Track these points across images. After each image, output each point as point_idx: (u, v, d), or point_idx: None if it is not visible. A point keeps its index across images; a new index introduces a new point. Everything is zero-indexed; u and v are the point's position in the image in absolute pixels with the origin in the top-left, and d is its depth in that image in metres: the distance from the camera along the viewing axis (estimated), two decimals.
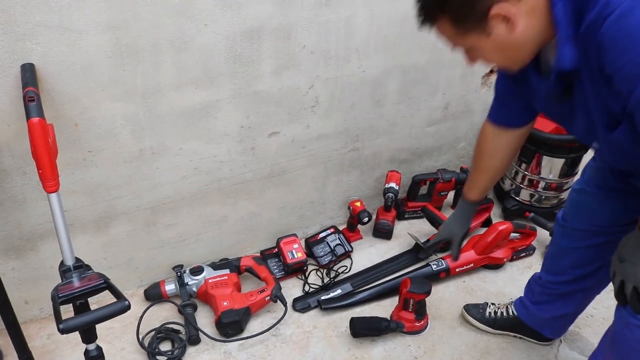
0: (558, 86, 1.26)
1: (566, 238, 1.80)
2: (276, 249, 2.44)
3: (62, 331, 1.35)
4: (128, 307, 1.42)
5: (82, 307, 1.54)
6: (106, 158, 1.90)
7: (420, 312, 2.11)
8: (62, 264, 1.59)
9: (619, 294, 1.39)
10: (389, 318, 2.16)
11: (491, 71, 2.66)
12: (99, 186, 1.95)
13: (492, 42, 1.19)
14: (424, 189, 2.76)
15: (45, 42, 1.58)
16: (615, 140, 1.23)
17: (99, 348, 1.62)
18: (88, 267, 1.60)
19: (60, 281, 1.52)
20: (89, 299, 1.52)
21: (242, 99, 2.01)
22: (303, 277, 2.40)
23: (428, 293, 2.06)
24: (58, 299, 1.44)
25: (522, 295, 2.11)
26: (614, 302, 1.43)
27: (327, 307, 2.23)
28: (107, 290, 1.50)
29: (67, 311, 1.47)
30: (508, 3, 1.11)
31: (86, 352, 1.61)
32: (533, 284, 2.02)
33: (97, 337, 1.60)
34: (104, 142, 1.86)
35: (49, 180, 1.49)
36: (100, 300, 1.69)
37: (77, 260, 1.60)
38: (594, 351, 1.68)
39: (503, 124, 1.68)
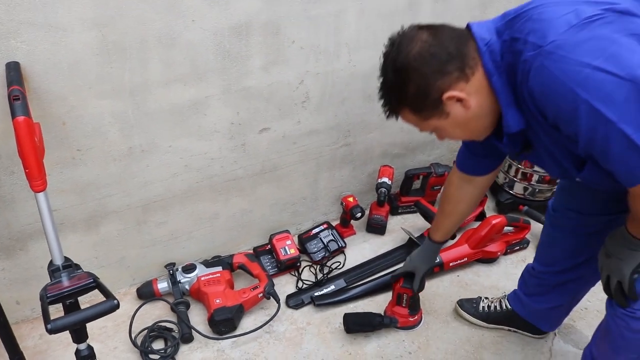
0: (515, 146, 1.38)
1: (557, 228, 1.81)
2: (269, 246, 2.43)
3: (50, 331, 1.35)
4: (117, 306, 1.41)
5: (72, 307, 1.53)
6: (95, 156, 1.89)
7: (414, 307, 2.11)
8: (51, 263, 1.58)
9: (607, 288, 1.44)
10: (382, 314, 2.15)
11: None
12: (89, 185, 1.94)
13: (452, 121, 1.31)
14: (417, 184, 2.75)
15: (30, 40, 1.56)
16: (587, 177, 1.33)
17: (90, 347, 1.61)
18: (77, 267, 1.59)
19: (50, 281, 1.52)
20: (83, 299, 1.51)
21: (232, 95, 2.00)
22: (296, 274, 2.39)
23: (421, 288, 2.05)
24: (47, 299, 1.43)
25: (516, 288, 2.10)
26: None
27: (321, 303, 2.22)
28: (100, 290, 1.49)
29: (59, 311, 1.47)
30: (457, 86, 1.25)
31: (77, 352, 1.60)
32: (526, 275, 2.02)
33: (88, 337, 1.59)
34: (92, 140, 1.84)
35: (36, 179, 1.48)
36: (92, 300, 1.69)
37: (66, 259, 1.59)
38: (589, 343, 1.68)
39: (469, 172, 1.74)
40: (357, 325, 2.12)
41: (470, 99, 1.26)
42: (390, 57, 1.29)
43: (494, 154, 1.60)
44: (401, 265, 2.14)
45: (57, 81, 1.67)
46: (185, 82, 1.88)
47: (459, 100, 1.26)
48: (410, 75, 1.25)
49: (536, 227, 2.61)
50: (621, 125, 1.08)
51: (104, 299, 1.43)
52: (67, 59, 1.65)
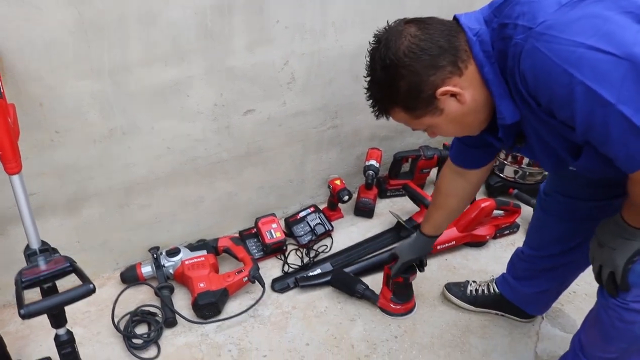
0: (508, 138, 1.34)
1: (547, 212, 1.78)
2: (255, 229, 2.41)
3: (24, 316, 1.31)
4: (93, 291, 1.38)
5: (49, 292, 1.50)
6: (75, 138, 1.85)
7: (400, 295, 2.08)
8: (27, 247, 1.55)
9: (598, 278, 1.42)
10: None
11: None
12: (69, 167, 1.90)
13: (446, 117, 1.27)
14: (405, 167, 2.73)
15: (1, 17, 1.51)
16: (583, 166, 1.29)
17: (69, 332, 1.58)
18: (54, 250, 1.56)
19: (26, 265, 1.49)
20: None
21: (215, 75, 1.96)
22: (282, 257, 2.37)
23: (405, 278, 2.02)
24: (22, 284, 1.40)
25: (505, 272, 2.08)
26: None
27: (305, 284, 2.21)
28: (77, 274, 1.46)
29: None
30: (451, 80, 1.21)
31: (56, 337, 1.58)
32: (515, 259, 2.00)
33: (66, 322, 1.56)
34: (71, 121, 1.80)
35: (10, 161, 1.45)
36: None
37: (44, 243, 1.56)
38: (578, 330, 1.67)
39: (462, 165, 1.70)
40: (339, 282, 2.16)
41: (464, 93, 1.22)
42: (378, 54, 1.24)
43: (487, 145, 1.53)
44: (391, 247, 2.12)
45: (33, 60, 1.63)
46: (166, 62, 1.84)
47: (453, 95, 1.22)
48: (401, 72, 1.21)
49: (526, 211, 2.59)
50: (620, 106, 1.03)
51: None
52: (42, 38, 1.60)
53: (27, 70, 1.63)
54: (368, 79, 1.30)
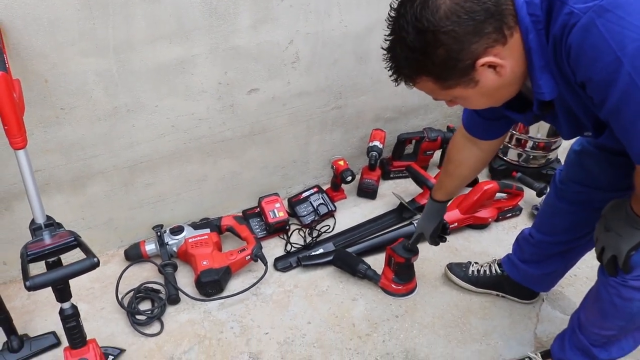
0: (539, 109, 1.24)
1: (562, 200, 1.76)
2: (258, 209, 2.42)
3: (29, 288, 1.34)
4: (97, 264, 1.40)
5: (54, 266, 1.52)
6: (80, 115, 1.86)
7: (402, 276, 2.10)
8: (32, 222, 1.57)
9: (600, 257, 1.43)
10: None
11: None
12: (74, 145, 1.91)
13: (479, 89, 1.16)
14: (409, 148, 2.73)
15: None
16: (604, 141, 1.26)
17: (74, 306, 1.60)
18: (59, 225, 1.58)
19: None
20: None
21: (219, 54, 1.96)
22: (285, 237, 2.39)
23: (406, 259, 2.03)
24: (27, 257, 1.42)
25: (510, 252, 2.09)
26: (597, 262, 1.46)
27: (307, 263, 2.23)
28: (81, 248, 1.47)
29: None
30: (494, 49, 1.08)
31: (61, 311, 1.59)
32: (523, 242, 1.99)
33: (71, 296, 1.58)
34: (76, 99, 1.81)
35: (15, 136, 1.46)
36: None
37: (48, 218, 1.58)
38: (577, 308, 1.69)
39: (476, 136, 1.64)
40: (341, 262, 2.18)
41: (506, 65, 1.10)
42: (411, 12, 1.07)
43: (504, 117, 1.49)
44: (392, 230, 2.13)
45: (38, 37, 1.63)
46: (171, 40, 1.84)
47: (493, 66, 1.10)
48: (440, 38, 1.05)
49: (529, 194, 2.59)
50: None
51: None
52: (47, 15, 1.60)
53: (32, 47, 1.64)
54: (391, 39, 1.16)
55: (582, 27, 1.00)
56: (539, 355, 1.83)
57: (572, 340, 1.69)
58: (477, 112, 1.56)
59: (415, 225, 2.03)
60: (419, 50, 1.10)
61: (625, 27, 0.96)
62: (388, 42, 1.17)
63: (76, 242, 1.49)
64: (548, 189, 2.49)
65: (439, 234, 1.98)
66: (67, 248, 1.49)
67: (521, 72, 1.15)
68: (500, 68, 1.10)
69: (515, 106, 1.30)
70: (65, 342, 1.68)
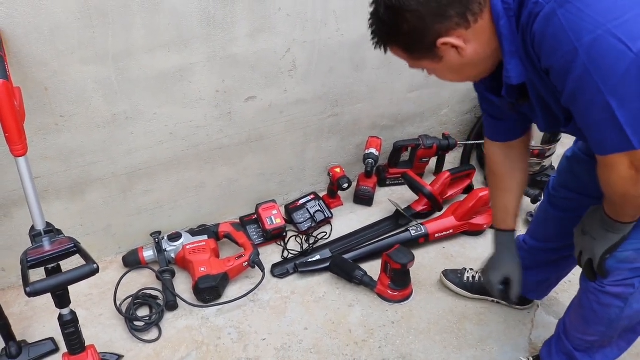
0: (511, 96, 1.30)
1: (555, 207, 1.77)
2: (255, 215, 2.44)
3: (29, 294, 1.35)
4: (96, 271, 1.41)
5: (53, 272, 1.53)
6: (79, 123, 1.87)
7: (398, 282, 2.11)
8: (32, 228, 1.58)
9: (579, 261, 1.46)
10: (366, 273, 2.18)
11: None
12: (73, 152, 1.93)
13: (444, 65, 1.24)
14: (405, 156, 2.75)
15: (9, 3, 1.54)
16: (573, 130, 1.30)
17: (72, 312, 1.61)
18: (59, 232, 1.59)
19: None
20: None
21: (217, 62, 1.98)
22: (282, 243, 2.40)
23: (402, 265, 2.05)
24: (27, 263, 1.44)
25: None
26: None
27: (304, 270, 2.24)
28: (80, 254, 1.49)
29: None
30: (456, 32, 1.16)
31: (60, 317, 1.60)
32: (519, 249, 1.99)
33: (70, 302, 1.58)
34: (75, 106, 1.83)
35: (16, 144, 1.47)
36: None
37: (48, 224, 1.59)
38: (565, 312, 1.71)
39: (498, 140, 1.63)
40: (338, 268, 2.19)
41: (467, 48, 1.18)
42: None
43: (515, 114, 1.49)
44: (388, 238, 2.12)
45: (39, 45, 1.65)
46: (169, 49, 1.86)
47: (455, 47, 1.18)
48: (405, 16, 1.14)
49: (523, 201, 2.59)
50: (609, 97, 1.05)
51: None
52: (48, 23, 1.62)
53: (32, 55, 1.66)
54: (371, 9, 1.23)
55: (544, 16, 1.07)
56: (532, 359, 1.84)
57: (558, 345, 1.71)
58: (490, 115, 1.58)
59: (490, 275, 1.71)
60: (387, 23, 1.19)
61: (582, 19, 1.02)
62: (369, 12, 1.25)
63: (76, 249, 1.50)
64: (542, 196, 2.53)
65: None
66: (67, 254, 1.50)
67: (487, 55, 1.21)
68: (460, 50, 1.18)
69: (495, 89, 1.34)
70: (63, 348, 1.70)
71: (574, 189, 1.68)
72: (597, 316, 1.50)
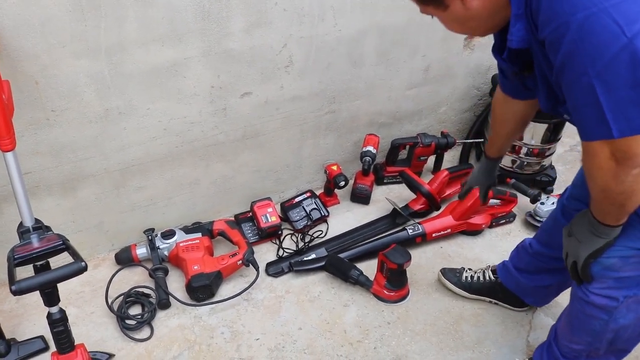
0: (514, 64, 1.30)
1: (566, 217, 1.71)
2: (250, 213, 2.41)
3: (15, 292, 1.33)
4: (84, 269, 1.38)
5: (42, 269, 1.50)
6: (71, 118, 1.84)
7: (394, 282, 2.09)
8: (20, 225, 1.56)
9: (565, 264, 1.45)
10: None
11: None
12: (64, 147, 1.90)
13: (448, 15, 1.22)
14: (403, 154, 2.72)
15: None
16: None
17: (62, 311, 1.58)
18: (48, 228, 1.57)
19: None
20: None
21: (212, 57, 1.95)
22: (277, 242, 2.37)
23: (399, 265, 2.02)
24: (14, 260, 1.41)
25: (507, 259, 2.07)
26: None
27: (299, 269, 2.21)
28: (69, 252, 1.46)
29: None
30: None
31: (49, 315, 1.57)
32: (522, 251, 1.97)
33: (59, 300, 1.55)
34: (67, 101, 1.80)
35: (4, 138, 1.45)
36: None
37: (37, 221, 1.56)
38: (557, 318, 1.70)
39: (509, 95, 1.64)
40: (334, 267, 2.16)
41: (472, 0, 1.16)
42: None
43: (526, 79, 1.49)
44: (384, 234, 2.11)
45: (29, 38, 1.62)
46: (163, 43, 1.83)
47: None
48: None
49: (523, 201, 2.58)
50: (594, 80, 1.03)
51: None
52: (38, 16, 1.59)
53: (23, 48, 1.62)
54: None
55: None
56: None
57: (549, 351, 1.70)
58: (503, 74, 1.57)
59: (469, 180, 2.05)
60: None
61: None
62: None
63: (64, 246, 1.47)
64: (542, 196, 2.50)
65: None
66: (55, 252, 1.47)
67: (495, 11, 1.19)
68: (465, 1, 1.16)
69: (501, 51, 1.32)
70: (53, 347, 1.67)
71: (588, 204, 1.64)
72: (583, 326, 1.50)
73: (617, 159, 1.09)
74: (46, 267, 1.51)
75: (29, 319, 1.99)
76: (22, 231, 1.53)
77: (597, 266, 1.36)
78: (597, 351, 1.56)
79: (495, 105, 1.75)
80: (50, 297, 1.53)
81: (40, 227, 1.54)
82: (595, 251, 1.33)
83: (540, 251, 1.86)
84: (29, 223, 1.54)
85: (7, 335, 1.86)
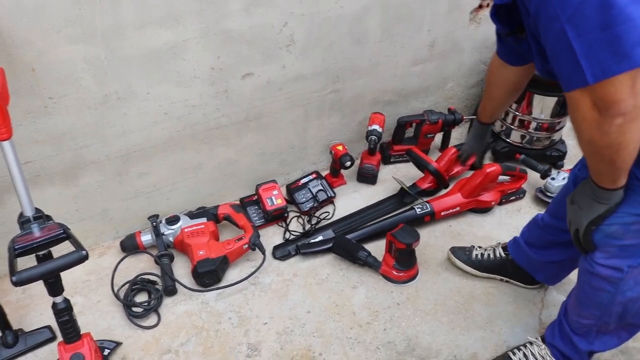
0: (505, 24, 1.32)
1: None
2: (255, 196, 2.38)
3: (15, 283, 1.30)
4: (85, 257, 1.37)
5: (44, 259, 1.48)
6: (69, 105, 1.81)
7: (403, 262, 2.06)
8: (21, 215, 1.53)
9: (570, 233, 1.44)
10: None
11: (480, 6, 2.54)
12: (64, 135, 1.86)
13: None
14: (409, 132, 2.68)
15: None
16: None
17: (66, 300, 1.56)
18: (48, 218, 1.54)
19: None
20: None
21: (211, 38, 1.90)
22: (283, 225, 2.34)
23: (407, 245, 1.99)
24: (14, 251, 1.39)
25: (518, 236, 2.04)
26: None
27: (306, 251, 2.19)
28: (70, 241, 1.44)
29: None
30: None
31: (53, 305, 1.56)
32: (533, 225, 1.95)
33: (63, 289, 1.54)
34: (65, 87, 1.76)
35: (0, 127, 1.41)
36: None
37: (37, 210, 1.53)
38: (567, 296, 1.69)
39: (504, 60, 1.63)
40: (341, 249, 2.14)
41: None
42: None
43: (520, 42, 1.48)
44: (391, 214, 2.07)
45: (22, 24, 1.58)
46: (160, 25, 1.79)
47: None
48: None
49: (533, 177, 2.54)
50: (566, 25, 1.02)
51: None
52: (31, 0, 1.55)
53: (17, 35, 1.59)
54: None
55: None
56: (539, 338, 1.79)
57: (560, 328, 1.69)
58: (499, 37, 1.55)
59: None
60: None
61: None
62: None
63: (65, 235, 1.45)
64: (552, 171, 2.46)
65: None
66: (57, 241, 1.45)
67: None
68: None
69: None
70: (60, 337, 1.65)
71: None
72: (590, 299, 1.49)
73: (599, 108, 1.07)
74: (48, 257, 1.49)
75: (35, 309, 1.98)
76: (23, 221, 1.50)
77: (599, 234, 1.35)
78: (607, 325, 1.53)
79: (490, 69, 1.75)
80: (54, 286, 1.51)
81: (40, 217, 1.52)
82: (596, 218, 1.32)
83: (550, 223, 1.83)
84: (29, 213, 1.51)
85: (15, 326, 1.84)
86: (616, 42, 1.00)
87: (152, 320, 1.95)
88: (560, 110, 2.51)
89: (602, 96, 1.05)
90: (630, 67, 1.00)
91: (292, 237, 2.29)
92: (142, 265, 2.14)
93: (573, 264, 1.88)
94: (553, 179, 2.44)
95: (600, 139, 1.12)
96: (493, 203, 2.41)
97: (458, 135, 2.88)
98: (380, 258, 2.11)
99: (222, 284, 2.06)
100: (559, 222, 1.78)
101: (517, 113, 2.59)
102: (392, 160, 2.71)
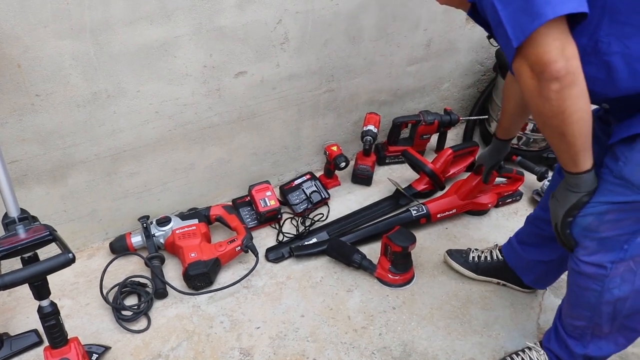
0: (480, 24, 1.32)
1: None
2: (248, 197, 2.34)
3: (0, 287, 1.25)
4: (72, 260, 1.33)
5: (30, 261, 1.44)
6: (57, 102, 1.76)
7: (398, 265, 2.03)
8: (5, 215, 1.49)
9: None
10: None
11: None
12: (52, 133, 1.82)
13: None
14: (405, 132, 2.65)
15: None
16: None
17: (53, 304, 1.52)
18: (34, 219, 1.50)
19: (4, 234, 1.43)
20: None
21: (204, 35, 1.86)
22: (277, 226, 2.30)
23: (403, 248, 1.96)
24: None
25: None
26: None
27: (300, 254, 2.15)
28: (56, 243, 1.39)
29: None
30: None
31: (39, 309, 1.51)
32: (526, 222, 1.94)
33: (50, 293, 1.50)
34: (52, 84, 1.71)
35: None
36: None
37: (23, 211, 1.49)
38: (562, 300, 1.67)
39: (510, 71, 1.60)
40: (335, 252, 2.11)
41: None
42: None
43: None
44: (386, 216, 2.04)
45: (7, 18, 1.53)
46: (151, 21, 1.74)
47: None
48: None
49: (529, 179, 2.51)
50: (494, 0, 1.09)
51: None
52: None
53: (1, 29, 1.54)
54: None
55: None
56: (538, 344, 1.76)
57: (556, 333, 1.67)
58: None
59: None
60: None
61: None
62: None
63: (52, 237, 1.41)
64: (549, 173, 2.44)
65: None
66: (42, 243, 1.41)
67: None
68: None
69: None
70: (47, 341, 1.61)
71: None
72: (579, 299, 1.48)
73: (536, 74, 1.10)
74: (34, 259, 1.44)
75: (21, 312, 1.93)
76: (7, 222, 1.46)
77: (576, 228, 1.36)
78: (599, 327, 1.51)
79: (505, 86, 1.79)
80: (40, 290, 1.47)
81: (26, 218, 1.48)
82: (571, 208, 1.33)
83: (539, 215, 1.83)
84: (14, 214, 1.47)
85: (0, 330, 1.79)
86: (530, 5, 1.06)
87: (142, 324, 1.90)
88: None
89: (534, 60, 1.09)
90: (541, 22, 1.04)
91: (285, 239, 2.25)
92: (132, 267, 2.10)
93: (561, 266, 1.88)
94: (550, 181, 2.41)
95: (543, 106, 1.14)
96: (490, 205, 2.38)
97: (454, 136, 2.85)
98: (375, 261, 2.08)
99: (214, 287, 2.02)
100: (545, 214, 1.77)
101: None
102: (387, 161, 2.67)
